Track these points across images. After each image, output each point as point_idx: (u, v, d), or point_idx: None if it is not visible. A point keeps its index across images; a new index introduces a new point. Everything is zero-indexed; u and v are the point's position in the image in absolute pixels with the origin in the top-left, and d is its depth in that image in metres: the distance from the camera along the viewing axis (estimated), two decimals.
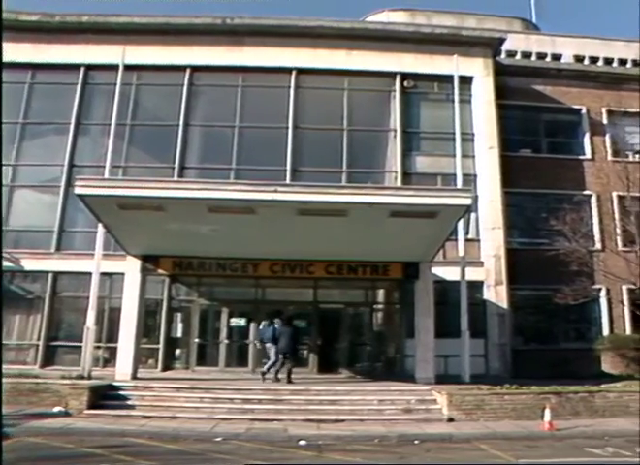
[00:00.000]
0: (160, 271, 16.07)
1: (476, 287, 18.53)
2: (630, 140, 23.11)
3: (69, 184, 18.06)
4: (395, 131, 20.00)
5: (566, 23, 79.01)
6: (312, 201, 11.75)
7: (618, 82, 22.86)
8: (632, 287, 18.84)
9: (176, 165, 19.03)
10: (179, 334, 18.37)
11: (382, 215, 12.16)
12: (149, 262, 15.63)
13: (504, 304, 18.87)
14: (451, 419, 12.30)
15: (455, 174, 17.51)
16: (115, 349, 15.57)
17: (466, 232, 17.65)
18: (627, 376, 17.72)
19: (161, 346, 17.77)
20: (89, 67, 19.86)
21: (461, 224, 15.57)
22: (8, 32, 16.58)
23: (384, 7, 26.51)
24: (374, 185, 14.77)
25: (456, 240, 16.59)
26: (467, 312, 16.34)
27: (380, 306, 19.92)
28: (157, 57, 19.52)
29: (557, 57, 24.42)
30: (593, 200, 21.39)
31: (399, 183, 18.88)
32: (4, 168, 17.95)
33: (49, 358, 17.83)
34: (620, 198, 20.48)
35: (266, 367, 15.44)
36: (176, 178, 17.88)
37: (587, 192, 21.45)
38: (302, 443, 10.14)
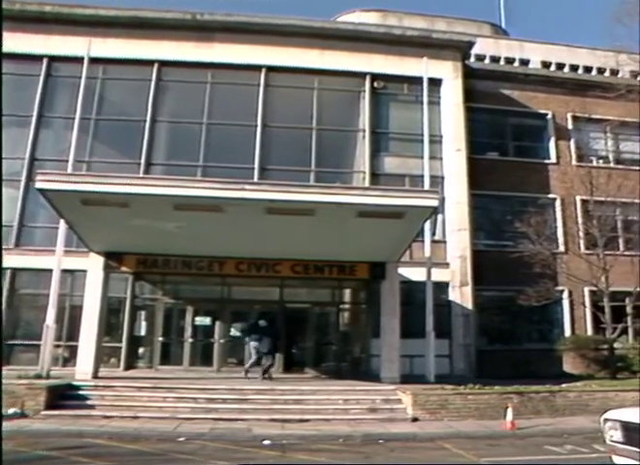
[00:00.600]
0: (124, 269, 15.78)
1: (442, 287, 18.73)
2: (594, 146, 23.64)
3: (30, 178, 17.56)
4: (364, 131, 20.03)
5: (535, 30, 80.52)
6: (280, 200, 11.65)
7: (583, 89, 23.32)
8: (594, 289, 19.26)
9: (143, 161, 18.68)
10: (143, 333, 18.11)
11: (350, 215, 12.12)
12: (113, 259, 15.34)
13: (469, 305, 19.07)
14: (415, 419, 12.37)
15: (422, 176, 17.64)
16: (76, 347, 15.23)
17: (433, 234, 17.80)
18: (587, 376, 18.16)
19: (124, 344, 17.44)
20: (53, 58, 19.34)
21: (427, 225, 15.67)
22: None
23: (357, 7, 26.62)
24: (342, 185, 14.78)
25: (422, 241, 16.70)
26: (433, 312, 16.48)
27: (346, 306, 19.97)
28: (124, 51, 19.11)
29: (524, 62, 24.80)
30: (558, 203, 21.82)
31: (367, 183, 18.91)
32: None
33: (6, 358, 17.31)
34: (583, 202, 20.95)
35: (247, 365, 15.84)
36: (141, 174, 17.57)
37: (551, 195, 21.87)
38: (266, 442, 10.08)
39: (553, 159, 22.52)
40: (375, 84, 20.41)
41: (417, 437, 10.95)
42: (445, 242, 19.47)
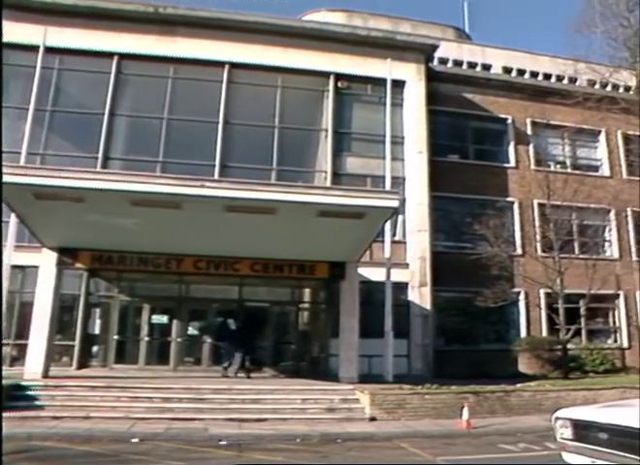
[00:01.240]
0: (78, 265, 15.39)
1: (401, 288, 18.81)
2: (552, 151, 24.22)
3: None
4: (326, 131, 19.98)
5: (497, 36, 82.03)
6: (240, 198, 11.49)
7: (542, 95, 23.81)
8: (549, 291, 19.74)
9: (100, 155, 18.18)
10: (97, 331, 17.68)
11: (311, 214, 12.08)
12: (67, 255, 14.93)
13: (428, 306, 19.23)
14: (373, 419, 12.43)
15: (384, 177, 17.77)
16: (26, 346, 14.74)
17: (393, 234, 17.91)
18: (542, 376, 18.55)
19: (77, 343, 16.96)
20: (4, 45, 18.66)
21: (388, 225, 15.73)
22: None
23: (324, 7, 26.61)
24: (304, 184, 14.74)
25: (382, 242, 16.76)
26: (392, 313, 16.61)
27: (306, 305, 19.92)
28: (83, 42, 18.55)
29: (486, 67, 25.22)
30: (516, 206, 22.24)
31: (328, 183, 18.88)
32: None
33: None
34: (540, 205, 21.39)
35: (224, 366, 15.99)
36: (98, 169, 17.14)
37: (510, 199, 22.27)
38: (222, 442, 9.99)
39: (512, 163, 22.93)
40: (339, 84, 20.37)
41: (374, 436, 11.01)
42: (405, 243, 19.59)
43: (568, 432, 6.79)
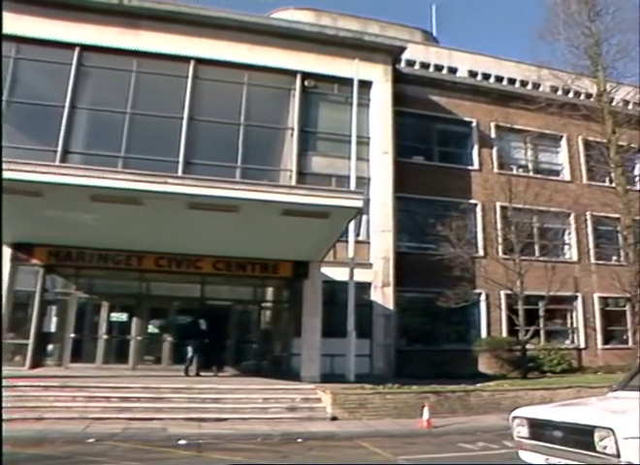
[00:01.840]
0: (34, 261, 15.02)
1: (364, 288, 18.86)
2: (515, 155, 24.64)
3: None
4: (292, 129, 19.87)
5: (464, 40, 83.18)
6: (203, 196, 11.40)
7: (506, 100, 24.13)
8: (509, 292, 20.06)
9: (59, 149, 17.64)
10: (53, 329, 17.13)
11: (274, 213, 12.06)
12: (22, 250, 14.57)
13: (390, 306, 19.30)
14: (334, 418, 12.45)
15: (349, 176, 17.80)
16: None
17: (357, 234, 17.96)
18: (501, 376, 18.84)
19: (31, 341, 16.28)
20: None
21: (352, 225, 15.74)
22: None
23: (290, 5, 26.53)
24: (268, 182, 14.63)
25: (346, 241, 16.82)
26: (354, 312, 16.68)
27: (269, 304, 19.77)
28: (41, 31, 17.90)
29: (453, 70, 25.51)
30: (478, 208, 22.53)
31: (293, 182, 18.76)
32: None
33: None
34: (502, 208, 21.71)
35: (187, 365, 15.94)
36: (57, 163, 16.68)
37: (473, 201, 22.54)
38: (181, 442, 9.89)
39: (476, 166, 23.23)
40: (306, 83, 20.29)
41: (336, 436, 11.03)
42: (369, 243, 19.61)
43: (525, 431, 6.93)
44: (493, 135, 23.85)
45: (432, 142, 23.12)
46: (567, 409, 7.06)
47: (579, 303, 23.34)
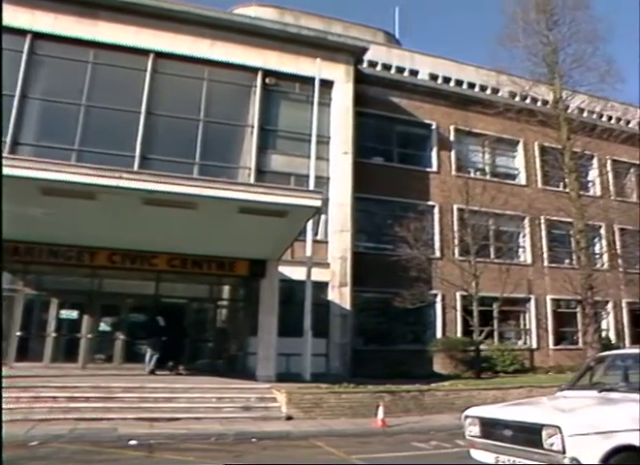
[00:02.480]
0: None
1: (321, 287, 18.85)
2: (473, 158, 25.01)
3: None
4: (252, 127, 19.69)
5: (425, 43, 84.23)
6: (159, 192, 11.15)
7: (466, 103, 24.54)
8: (464, 293, 20.33)
9: (8, 140, 16.96)
10: None
11: (232, 211, 11.93)
12: None
13: (347, 305, 19.34)
14: (290, 418, 12.39)
15: (308, 176, 17.75)
16: None
17: (315, 234, 17.93)
18: (455, 376, 19.06)
19: None
20: None
21: (310, 225, 15.75)
22: None
23: (253, 1, 26.29)
24: (226, 180, 14.36)
25: (304, 241, 16.76)
26: (311, 312, 16.63)
27: (225, 303, 19.59)
28: None
29: (414, 73, 25.66)
30: (436, 210, 22.76)
31: (252, 180, 18.60)
32: None
33: None
34: (459, 210, 21.99)
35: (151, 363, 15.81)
36: (5, 154, 16.09)
37: (430, 202, 22.76)
38: (132, 443, 9.67)
39: (434, 168, 23.46)
40: (267, 81, 20.13)
41: (290, 435, 10.97)
42: (327, 243, 19.60)
43: (476, 430, 7.01)
44: (452, 138, 24.15)
45: (392, 144, 23.24)
46: (517, 408, 7.18)
47: (532, 305, 23.84)
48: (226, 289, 19.33)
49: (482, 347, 19.96)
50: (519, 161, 25.84)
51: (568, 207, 21.01)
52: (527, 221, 24.33)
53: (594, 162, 25.73)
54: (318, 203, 12.32)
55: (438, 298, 21.72)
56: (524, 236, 24.58)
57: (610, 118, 25.31)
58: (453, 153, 24.03)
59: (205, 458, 8.93)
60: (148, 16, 18.81)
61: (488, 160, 25.44)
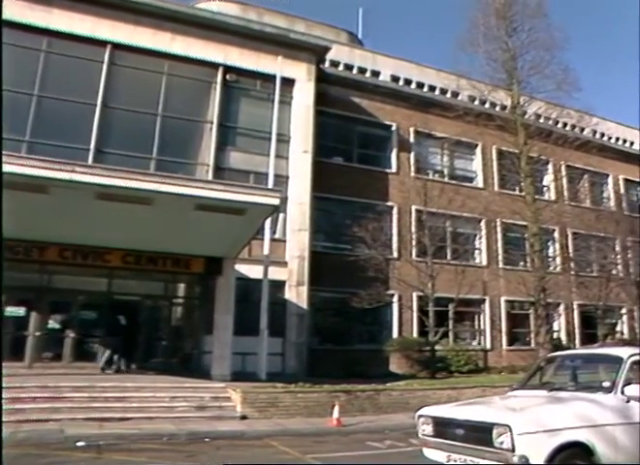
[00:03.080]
0: None
1: (278, 286, 18.76)
2: (432, 160, 25.30)
3: None
4: (212, 123, 19.38)
5: (388, 44, 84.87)
6: (114, 186, 10.95)
7: (426, 106, 24.79)
8: (421, 294, 20.52)
9: None
10: None
11: (188, 207, 11.79)
12: None
13: (304, 305, 19.27)
14: (244, 417, 12.33)
15: (267, 174, 17.63)
16: None
17: (273, 232, 17.84)
18: (411, 375, 19.24)
19: None
20: None
21: (268, 223, 15.67)
22: None
23: None
24: (183, 176, 14.15)
25: (262, 239, 16.68)
26: (268, 311, 16.58)
27: (180, 300, 19.30)
28: None
29: (376, 74, 25.82)
30: (395, 211, 22.90)
31: (210, 177, 18.31)
32: None
33: None
34: (417, 211, 22.19)
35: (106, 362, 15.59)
36: None
37: (389, 203, 22.89)
38: (80, 444, 9.42)
39: (394, 169, 23.60)
40: (228, 77, 19.84)
41: (245, 435, 10.93)
42: (285, 242, 19.47)
43: (429, 429, 7.11)
44: (411, 139, 24.34)
45: (353, 144, 23.28)
46: (469, 407, 7.28)
47: (486, 306, 24.23)
48: (181, 286, 19.04)
49: (437, 347, 20.19)
50: (477, 164, 26.22)
51: (523, 211, 21.45)
52: (483, 223, 24.72)
53: (550, 167, 26.24)
54: (276, 202, 12.29)
55: (395, 299, 21.85)
56: (480, 239, 24.97)
57: (565, 125, 25.93)
58: (412, 155, 24.20)
59: (156, 458, 8.81)
60: (107, 7, 18.28)
61: (446, 162, 25.75)
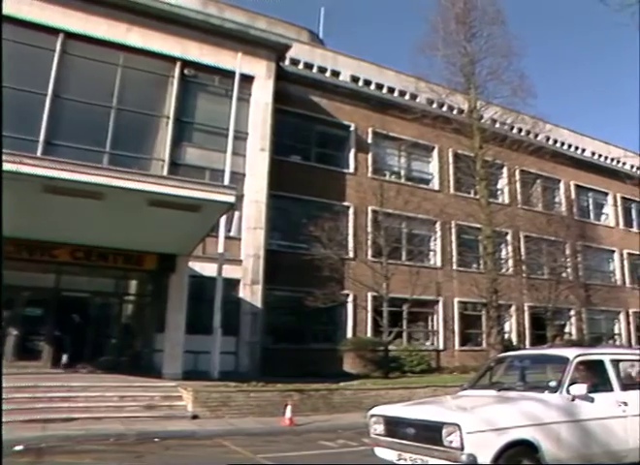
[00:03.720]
0: None
1: (233, 285, 18.60)
2: (389, 161, 25.48)
3: None
4: (168, 118, 19.01)
5: (349, 45, 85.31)
6: (62, 179, 10.62)
7: (385, 107, 24.94)
8: (375, 294, 20.64)
9: None
10: None
11: (141, 203, 11.56)
12: None
13: (258, 303, 19.12)
14: (195, 417, 12.24)
15: (224, 171, 17.41)
16: None
17: (228, 230, 17.57)
18: (364, 375, 19.31)
19: None
20: None
21: (223, 220, 15.49)
22: None
23: None
24: (136, 171, 13.81)
25: (217, 236, 16.45)
26: (222, 309, 16.42)
27: (131, 298, 18.91)
28: None
29: (336, 74, 25.73)
30: (351, 211, 22.95)
31: (165, 172, 17.96)
32: None
33: None
34: (374, 212, 22.29)
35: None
36: None
37: (346, 203, 22.94)
38: (18, 448, 9.02)
39: (351, 169, 23.66)
40: (186, 71, 19.51)
41: (196, 434, 10.87)
42: (240, 239, 19.25)
43: (381, 428, 7.16)
44: (369, 140, 24.46)
45: (311, 143, 23.26)
46: (420, 407, 7.34)
47: (440, 307, 24.53)
48: (133, 283, 18.65)
49: (391, 347, 20.34)
50: (433, 166, 26.55)
51: (478, 214, 21.81)
52: (438, 225, 25.04)
53: (504, 171, 26.81)
54: (232, 199, 12.20)
55: (350, 298, 21.91)
56: (434, 240, 25.28)
57: (520, 130, 26.46)
58: (370, 155, 24.33)
59: (102, 460, 8.67)
60: None
61: (403, 164, 25.98)
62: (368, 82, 26.43)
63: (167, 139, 18.84)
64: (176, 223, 12.99)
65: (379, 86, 26.64)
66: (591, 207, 32.90)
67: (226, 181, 16.58)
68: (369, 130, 24.48)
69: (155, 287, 17.25)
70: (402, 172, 25.70)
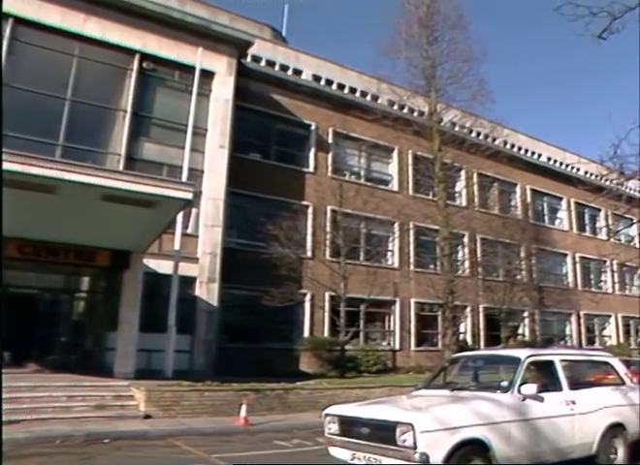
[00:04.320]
0: None
1: (189, 282, 18.31)
2: (349, 162, 25.54)
3: None
4: (125, 112, 18.53)
5: (312, 44, 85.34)
6: (12, 172, 10.19)
7: (346, 107, 24.98)
8: (333, 294, 20.65)
9: None
10: None
11: (94, 198, 11.26)
12: None
13: (215, 302, 18.87)
14: (148, 416, 12.06)
15: (182, 167, 17.13)
16: None
17: (185, 227, 17.42)
18: (321, 375, 19.34)
19: None
20: None
21: (180, 217, 15.26)
22: None
23: None
24: (89, 164, 13.42)
25: (173, 233, 16.25)
26: (177, 307, 16.25)
27: (83, 295, 18.44)
28: None
29: (298, 72, 25.62)
30: (310, 210, 22.90)
31: (121, 167, 17.53)
32: None
33: None
34: (333, 212, 22.30)
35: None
36: None
37: (305, 202, 22.88)
38: None
39: (311, 168, 23.62)
40: (145, 65, 19.06)
41: (147, 435, 10.68)
42: (197, 237, 18.99)
43: (335, 427, 7.17)
44: (330, 140, 24.46)
45: (271, 141, 23.11)
46: (375, 406, 7.36)
47: (397, 307, 24.72)
48: (85, 280, 18.18)
49: (348, 347, 20.40)
50: (393, 167, 26.73)
51: (435, 215, 22.09)
52: (396, 226, 25.19)
53: (462, 174, 27.19)
54: (189, 196, 12.03)
55: (307, 298, 21.87)
56: (392, 241, 25.44)
57: (479, 134, 26.87)
58: (330, 155, 24.33)
59: (47, 463, 8.44)
60: None
61: (363, 164, 26.08)
62: (330, 82, 26.41)
63: (124, 134, 18.35)
64: (130, 219, 12.77)
65: (341, 86, 26.64)
66: (545, 211, 33.74)
67: (184, 178, 16.36)
68: (330, 130, 24.48)
69: (108, 284, 16.88)
70: (362, 173, 25.79)
